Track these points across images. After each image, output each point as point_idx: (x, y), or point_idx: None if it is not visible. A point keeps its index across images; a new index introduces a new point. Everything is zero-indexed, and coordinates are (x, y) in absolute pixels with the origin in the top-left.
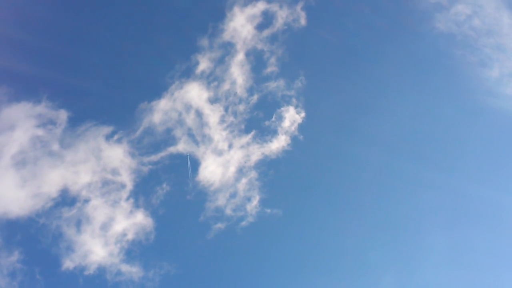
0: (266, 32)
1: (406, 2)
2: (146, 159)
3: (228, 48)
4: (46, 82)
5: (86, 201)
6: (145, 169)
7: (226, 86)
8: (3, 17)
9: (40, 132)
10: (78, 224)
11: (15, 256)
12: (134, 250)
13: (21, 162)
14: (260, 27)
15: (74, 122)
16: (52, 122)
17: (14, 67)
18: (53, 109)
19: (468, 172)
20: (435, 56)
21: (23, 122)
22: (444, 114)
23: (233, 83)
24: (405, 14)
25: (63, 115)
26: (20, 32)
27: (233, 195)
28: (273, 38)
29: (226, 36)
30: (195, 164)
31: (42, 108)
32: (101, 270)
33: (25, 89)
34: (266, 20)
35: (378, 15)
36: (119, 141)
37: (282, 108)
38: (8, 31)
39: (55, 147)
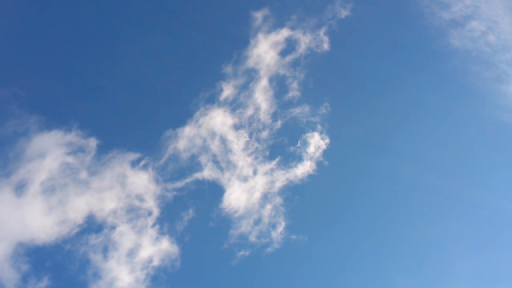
0: (290, 58)
1: (421, 19)
2: (171, 185)
3: (252, 74)
4: (78, 111)
5: (112, 227)
6: (170, 195)
7: (250, 112)
8: (36, 50)
9: (69, 159)
10: (105, 250)
11: (45, 282)
12: (160, 277)
13: (49, 189)
14: (283, 53)
15: (102, 149)
16: (81, 150)
17: (46, 96)
18: (83, 138)
19: (494, 188)
20: (451, 73)
21: (54, 150)
22: (463, 131)
23: (258, 109)
24: (420, 32)
25: (92, 143)
26: (54, 62)
27: (258, 222)
28: (296, 64)
29: (250, 62)
30: (220, 190)
31: (72, 137)
32: None
33: (56, 117)
34: (289, 46)
35: (397, 36)
36: (144, 168)
37: (307, 134)
38: (41, 61)
39: (84, 174)
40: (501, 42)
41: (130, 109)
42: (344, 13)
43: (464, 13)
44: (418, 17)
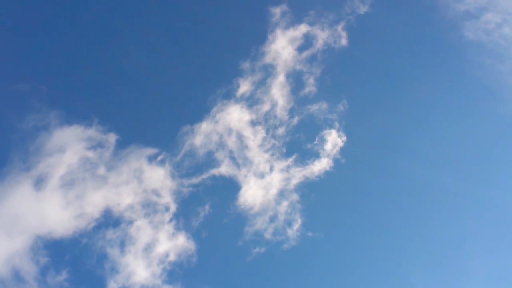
0: (307, 54)
1: (435, 12)
2: (187, 181)
3: (270, 70)
4: (98, 106)
5: (129, 222)
6: (186, 191)
7: (267, 108)
8: (58, 46)
9: (89, 154)
10: (122, 245)
11: (63, 275)
12: (176, 272)
13: (68, 183)
14: (301, 49)
15: (121, 144)
16: (101, 145)
17: (67, 91)
18: (102, 133)
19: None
20: (465, 67)
21: (73, 144)
22: (479, 127)
23: (275, 105)
24: (434, 24)
25: (111, 138)
26: (75, 58)
27: (274, 218)
28: (314, 59)
29: (268, 58)
30: (236, 187)
31: (92, 132)
32: None
33: (77, 112)
34: (307, 42)
35: (413, 31)
36: (161, 163)
37: (324, 131)
38: (63, 57)
39: (102, 169)
40: None
41: (148, 105)
42: (363, 9)
43: (479, 5)
44: (432, 9)
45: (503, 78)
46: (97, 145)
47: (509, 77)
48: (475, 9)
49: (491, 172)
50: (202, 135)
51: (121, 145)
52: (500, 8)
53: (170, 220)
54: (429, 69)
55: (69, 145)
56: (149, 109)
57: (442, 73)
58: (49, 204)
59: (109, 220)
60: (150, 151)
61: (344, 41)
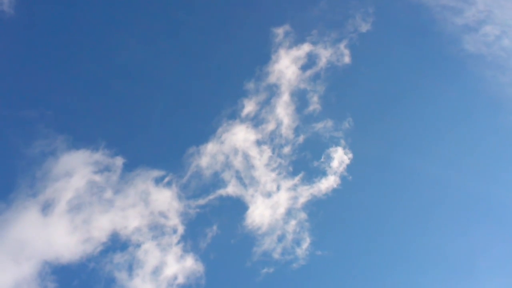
0: (311, 72)
1: (433, 25)
2: (194, 202)
3: (274, 90)
4: (105, 130)
5: (137, 245)
6: (193, 212)
7: (273, 128)
8: (64, 71)
9: (96, 178)
10: (129, 268)
11: None
12: None
13: (75, 208)
14: (305, 68)
15: (128, 168)
16: (108, 168)
17: (74, 115)
18: (109, 156)
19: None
20: (466, 78)
21: (81, 169)
22: (480, 138)
23: (280, 124)
24: (434, 39)
25: (118, 162)
26: (81, 82)
27: (282, 237)
28: (318, 78)
29: (272, 78)
30: (243, 207)
31: (99, 156)
32: None
33: (84, 136)
34: (310, 61)
35: (413, 46)
36: (168, 185)
37: (330, 149)
38: (69, 82)
39: (109, 192)
40: None
41: (154, 127)
42: (365, 27)
43: (477, 18)
44: (431, 24)
45: (504, 89)
46: (104, 169)
47: (510, 88)
48: (474, 22)
49: (492, 179)
50: (208, 156)
51: (128, 168)
52: (499, 20)
53: (178, 242)
54: (433, 83)
55: (76, 170)
56: (155, 131)
57: (445, 87)
58: (56, 229)
59: (117, 243)
60: (157, 173)
61: (347, 59)
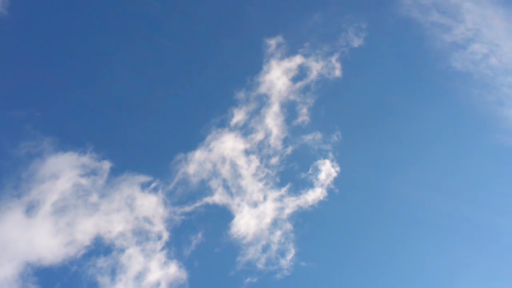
0: (302, 84)
1: (423, 41)
2: (179, 209)
3: (264, 100)
4: (93, 133)
5: (120, 250)
6: (179, 219)
7: (261, 138)
8: (54, 72)
9: (82, 181)
10: (112, 273)
11: None
12: None
13: (59, 210)
14: (295, 79)
15: (114, 172)
16: (94, 172)
17: (63, 117)
18: (97, 160)
19: (496, 211)
20: (452, 95)
21: (67, 171)
22: (466, 155)
23: (269, 134)
24: (422, 54)
25: (105, 166)
26: (71, 84)
27: (267, 247)
28: (308, 90)
29: (262, 88)
30: (229, 216)
31: (87, 159)
32: None
33: (72, 139)
34: (302, 73)
35: (404, 62)
36: (154, 191)
37: (318, 161)
38: (59, 83)
39: (95, 196)
40: (503, 65)
41: (143, 132)
42: (357, 42)
43: (466, 36)
44: (420, 40)
45: (490, 107)
46: (91, 172)
47: (496, 106)
48: (462, 40)
49: (476, 197)
50: (195, 163)
51: (114, 172)
52: (487, 39)
53: (162, 249)
54: (421, 99)
55: (62, 172)
56: (144, 136)
57: (432, 103)
58: (40, 231)
59: (100, 247)
60: (143, 178)
61: (338, 72)
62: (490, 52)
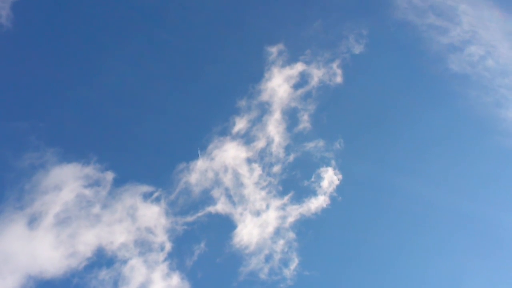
0: (303, 91)
1: (418, 44)
2: (182, 219)
3: (266, 107)
4: (97, 144)
5: (123, 261)
6: (181, 229)
7: (263, 146)
8: (58, 83)
9: (86, 192)
10: (114, 285)
11: None
12: None
13: (62, 222)
14: (297, 86)
15: (118, 183)
16: (98, 183)
17: (66, 129)
18: (100, 171)
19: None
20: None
21: (70, 182)
22: (465, 157)
23: (271, 142)
24: (418, 56)
25: (109, 177)
26: (75, 96)
27: (270, 257)
28: (310, 97)
29: (264, 96)
30: (232, 225)
31: (90, 170)
32: None
33: (76, 150)
34: (303, 80)
35: (404, 67)
36: (157, 201)
37: (321, 169)
38: (62, 94)
39: (98, 207)
40: (500, 66)
41: (145, 142)
42: (358, 48)
43: (462, 38)
44: (416, 42)
45: (488, 109)
46: (94, 183)
47: (494, 108)
48: (459, 42)
49: (476, 199)
50: (197, 172)
51: (117, 183)
52: (483, 41)
53: (165, 260)
54: (421, 103)
55: (66, 183)
56: (146, 146)
57: (432, 107)
58: (42, 243)
59: (102, 259)
60: (146, 188)
61: (339, 79)
62: (487, 54)
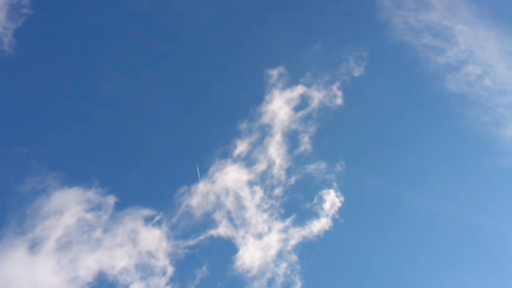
0: (304, 114)
1: (416, 65)
2: (183, 243)
3: (267, 130)
4: (98, 168)
5: (124, 286)
6: (182, 253)
7: (265, 168)
8: (59, 107)
9: (87, 216)
10: None
11: None
12: None
13: (64, 246)
14: (298, 109)
15: (119, 206)
16: (99, 207)
17: (68, 153)
18: (102, 195)
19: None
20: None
21: (72, 207)
22: (464, 176)
23: (272, 165)
24: (416, 77)
25: (110, 201)
26: (76, 120)
27: (273, 280)
28: (310, 119)
29: (265, 119)
30: (234, 248)
31: (92, 194)
32: None
33: (77, 174)
34: (304, 103)
35: (404, 89)
36: (158, 224)
37: (323, 191)
38: (64, 119)
39: (99, 231)
40: (498, 85)
41: (147, 166)
42: (358, 71)
43: (459, 58)
44: (414, 63)
45: (486, 128)
46: (96, 207)
47: (492, 127)
48: (456, 62)
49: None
50: (199, 195)
51: (119, 207)
52: (480, 60)
53: (166, 284)
54: (420, 124)
55: (67, 208)
56: (148, 170)
57: (432, 127)
58: (43, 268)
59: (103, 284)
60: (147, 212)
61: (339, 101)
62: (484, 73)
